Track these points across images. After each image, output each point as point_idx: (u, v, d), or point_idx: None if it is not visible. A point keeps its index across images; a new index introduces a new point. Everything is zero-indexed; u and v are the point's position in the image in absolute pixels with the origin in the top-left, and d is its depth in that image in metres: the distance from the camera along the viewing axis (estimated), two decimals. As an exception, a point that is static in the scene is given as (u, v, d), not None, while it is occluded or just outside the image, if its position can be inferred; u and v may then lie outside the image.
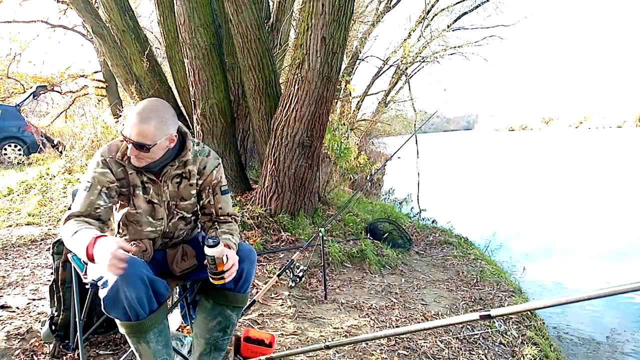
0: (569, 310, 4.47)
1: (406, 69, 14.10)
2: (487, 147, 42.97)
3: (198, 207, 1.83)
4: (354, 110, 13.59)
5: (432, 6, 13.74)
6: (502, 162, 24.58)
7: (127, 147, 1.57)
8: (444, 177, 16.61)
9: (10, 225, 4.43)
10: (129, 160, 1.62)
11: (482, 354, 2.64)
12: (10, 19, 11.97)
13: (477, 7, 14.26)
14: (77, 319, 1.83)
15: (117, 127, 7.13)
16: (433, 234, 5.52)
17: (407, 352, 2.49)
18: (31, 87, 11.57)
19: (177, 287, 2.06)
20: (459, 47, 14.23)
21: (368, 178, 9.01)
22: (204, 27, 4.53)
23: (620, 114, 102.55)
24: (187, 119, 6.17)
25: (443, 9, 14.04)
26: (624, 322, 4.43)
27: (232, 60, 5.22)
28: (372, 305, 3.10)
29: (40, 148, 8.38)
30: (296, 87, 3.98)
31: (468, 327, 2.90)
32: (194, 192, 1.78)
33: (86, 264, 1.75)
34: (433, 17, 14.00)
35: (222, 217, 1.81)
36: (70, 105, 13.44)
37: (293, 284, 3.17)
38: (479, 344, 2.76)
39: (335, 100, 10.83)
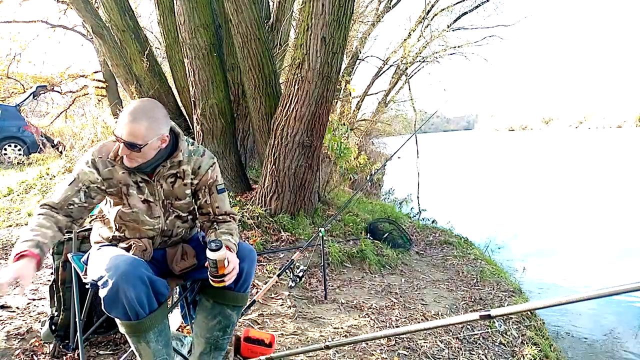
0: (569, 310, 4.47)
1: (406, 69, 14.11)
2: (487, 147, 42.96)
3: (195, 206, 1.83)
4: (354, 110, 13.58)
5: (432, 6, 13.76)
6: (502, 162, 24.57)
7: (120, 147, 1.58)
8: (444, 177, 16.60)
9: (10, 225, 4.43)
10: (122, 160, 1.62)
11: (482, 354, 2.64)
12: (10, 19, 11.94)
13: (477, 7, 14.31)
14: (77, 319, 1.83)
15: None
16: (433, 234, 5.52)
17: (407, 352, 2.49)
18: (31, 87, 11.56)
19: (177, 287, 2.06)
20: (459, 47, 14.25)
21: (368, 178, 9.00)
22: (204, 27, 4.53)
23: (620, 114, 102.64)
24: (187, 119, 6.18)
25: (443, 9, 14.06)
26: (624, 322, 4.43)
27: (232, 60, 5.22)
28: (372, 305, 3.10)
29: (40, 148, 8.38)
30: (296, 87, 3.98)
31: (468, 327, 2.90)
32: (188, 191, 1.78)
33: (86, 264, 1.76)
34: (433, 17, 14.02)
35: (220, 217, 1.81)
36: (70, 105, 13.40)
37: (293, 284, 3.16)
38: (479, 344, 2.76)
39: (335, 100, 10.82)
